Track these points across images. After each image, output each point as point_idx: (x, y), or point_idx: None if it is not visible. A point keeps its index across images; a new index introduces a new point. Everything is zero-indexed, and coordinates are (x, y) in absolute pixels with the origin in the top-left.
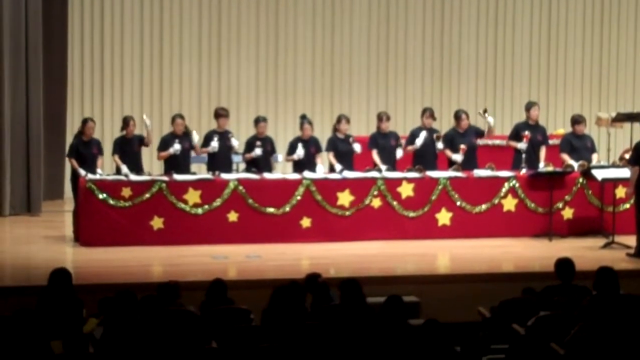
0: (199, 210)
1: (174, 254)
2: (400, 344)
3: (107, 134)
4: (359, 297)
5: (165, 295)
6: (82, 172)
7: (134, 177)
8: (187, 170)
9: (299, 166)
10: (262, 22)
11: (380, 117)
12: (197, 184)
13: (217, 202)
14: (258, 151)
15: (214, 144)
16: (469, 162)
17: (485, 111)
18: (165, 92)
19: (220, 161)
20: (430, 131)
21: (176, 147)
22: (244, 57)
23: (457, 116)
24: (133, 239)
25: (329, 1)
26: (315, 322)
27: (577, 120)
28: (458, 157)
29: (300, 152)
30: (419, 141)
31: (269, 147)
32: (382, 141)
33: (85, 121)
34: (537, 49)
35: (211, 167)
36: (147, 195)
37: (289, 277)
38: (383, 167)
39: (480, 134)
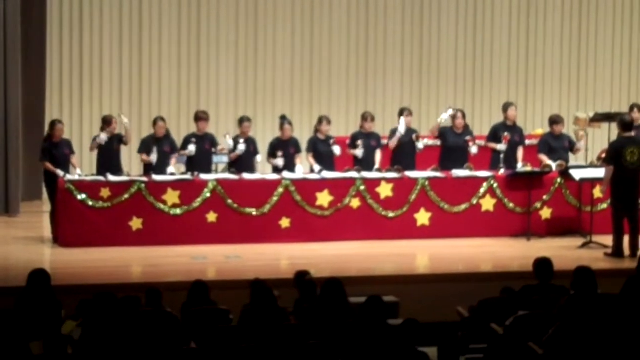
0: (178, 211)
1: (153, 254)
2: (380, 343)
3: (85, 135)
4: (341, 297)
5: (152, 298)
6: (60, 172)
7: (112, 178)
8: (166, 172)
9: (277, 167)
10: (241, 23)
11: (365, 117)
12: (176, 185)
13: (196, 203)
14: (242, 147)
15: (192, 147)
16: (461, 163)
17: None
18: (145, 93)
19: (198, 164)
20: (409, 131)
21: (153, 157)
22: (224, 59)
23: (453, 115)
24: (112, 240)
25: (307, 2)
26: (295, 323)
27: (555, 120)
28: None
29: (279, 161)
30: (401, 128)
31: (252, 148)
32: (364, 141)
33: (53, 123)
34: (516, 50)
35: (190, 169)
36: (126, 196)
37: (269, 278)
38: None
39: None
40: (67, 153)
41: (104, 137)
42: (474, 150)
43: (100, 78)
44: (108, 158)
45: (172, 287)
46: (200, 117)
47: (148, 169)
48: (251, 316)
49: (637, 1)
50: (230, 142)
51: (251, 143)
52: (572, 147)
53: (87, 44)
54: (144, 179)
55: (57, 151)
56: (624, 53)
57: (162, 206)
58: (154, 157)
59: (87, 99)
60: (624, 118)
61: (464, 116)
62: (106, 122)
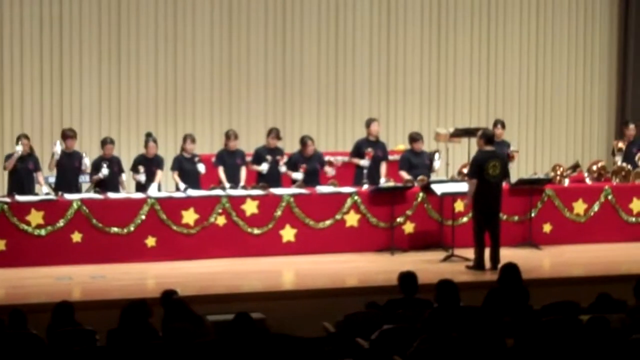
0: (42, 232)
1: (16, 276)
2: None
3: None
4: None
5: (16, 320)
6: None
7: None
8: (31, 191)
9: (140, 185)
10: (104, 40)
11: (228, 136)
12: (39, 205)
13: (61, 223)
14: (105, 171)
15: (57, 153)
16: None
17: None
18: (7, 111)
19: (67, 182)
20: (275, 151)
21: (17, 148)
22: (87, 76)
23: (303, 142)
24: None
25: (170, 17)
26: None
27: (414, 138)
28: (299, 175)
29: (142, 177)
30: (265, 167)
31: (116, 168)
32: (229, 159)
33: None
34: (377, 66)
35: (58, 187)
36: None
37: (134, 297)
38: (227, 184)
39: (322, 162)
40: None
41: None
42: (331, 172)
43: None
44: None
45: (36, 308)
46: (68, 134)
47: (13, 187)
48: (119, 336)
49: (494, 18)
50: (87, 162)
51: (115, 163)
52: (431, 164)
53: None
54: (7, 199)
55: None
56: (482, 69)
57: (25, 227)
58: (19, 149)
59: None
60: (487, 131)
61: (313, 142)
62: None
